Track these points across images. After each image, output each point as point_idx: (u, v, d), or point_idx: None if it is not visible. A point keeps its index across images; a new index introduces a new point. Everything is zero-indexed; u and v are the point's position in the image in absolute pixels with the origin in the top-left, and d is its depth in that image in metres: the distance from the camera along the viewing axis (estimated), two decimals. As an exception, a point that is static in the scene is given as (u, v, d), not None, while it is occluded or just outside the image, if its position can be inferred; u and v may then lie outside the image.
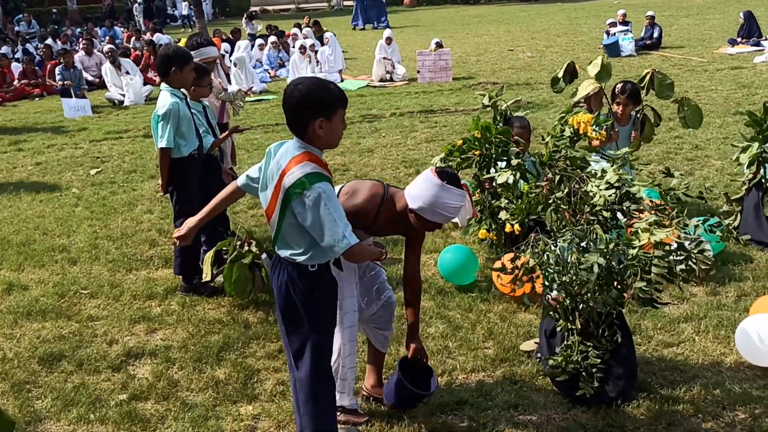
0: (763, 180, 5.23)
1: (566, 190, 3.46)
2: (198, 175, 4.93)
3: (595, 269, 3.00)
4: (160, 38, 17.75)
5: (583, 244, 3.25)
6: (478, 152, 4.64)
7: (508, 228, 4.74)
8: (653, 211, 3.26)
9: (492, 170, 5.03)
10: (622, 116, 5.60)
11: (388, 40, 13.60)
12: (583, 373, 3.39)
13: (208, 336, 4.38)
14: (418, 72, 13.26)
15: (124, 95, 12.83)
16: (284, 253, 2.95)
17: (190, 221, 3.21)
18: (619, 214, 3.33)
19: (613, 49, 14.65)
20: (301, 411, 3.07)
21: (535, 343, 4.02)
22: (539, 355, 3.82)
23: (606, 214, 3.25)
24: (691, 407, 3.47)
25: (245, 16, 22.08)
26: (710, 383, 3.66)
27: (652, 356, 3.95)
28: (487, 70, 14.12)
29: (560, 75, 5.88)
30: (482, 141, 4.65)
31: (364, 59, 16.30)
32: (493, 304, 4.64)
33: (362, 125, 10.03)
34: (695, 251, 3.09)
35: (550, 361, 3.45)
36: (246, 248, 4.70)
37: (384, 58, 13.43)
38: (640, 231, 3.07)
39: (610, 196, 3.22)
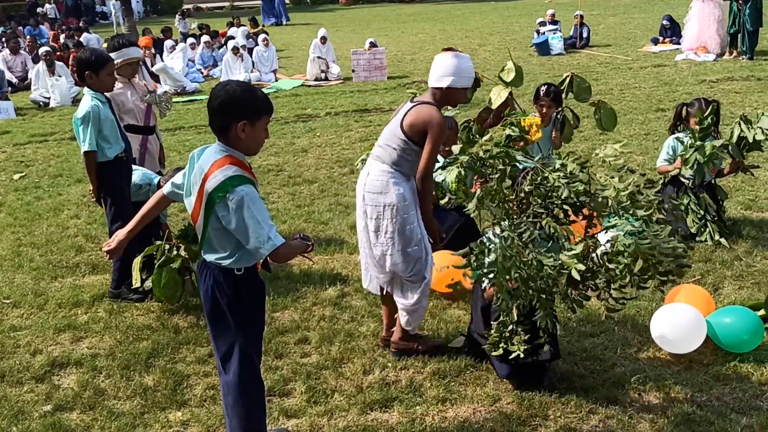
0: (680, 176, 5.47)
1: (509, 183, 3.36)
2: (128, 177, 4.85)
3: (575, 275, 2.93)
4: (89, 38, 17.23)
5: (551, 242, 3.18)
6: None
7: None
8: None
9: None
10: (543, 117, 5.76)
11: (323, 40, 13.59)
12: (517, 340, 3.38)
13: (136, 342, 4.32)
14: (353, 71, 13.30)
15: (49, 97, 12.43)
16: (210, 257, 2.95)
17: (120, 234, 3.17)
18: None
19: (543, 48, 15.01)
20: (230, 414, 3.08)
21: (462, 335, 4.12)
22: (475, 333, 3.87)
23: (566, 207, 3.19)
24: (609, 394, 3.62)
25: (178, 14, 21.63)
26: (628, 371, 3.82)
27: (574, 347, 4.09)
28: (421, 69, 14.25)
29: (498, 100, 5.92)
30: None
31: (300, 58, 16.22)
32: (423, 301, 4.71)
33: (297, 125, 10.01)
34: (669, 258, 2.97)
35: (490, 338, 3.44)
36: (175, 252, 4.64)
37: (318, 57, 13.41)
38: (618, 242, 2.97)
39: (574, 188, 3.12)
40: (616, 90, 10.95)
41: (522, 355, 3.32)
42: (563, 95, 5.99)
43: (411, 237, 3.80)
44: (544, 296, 3.08)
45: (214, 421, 3.53)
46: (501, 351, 3.41)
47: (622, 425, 3.40)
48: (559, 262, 2.97)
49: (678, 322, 3.86)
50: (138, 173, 4.95)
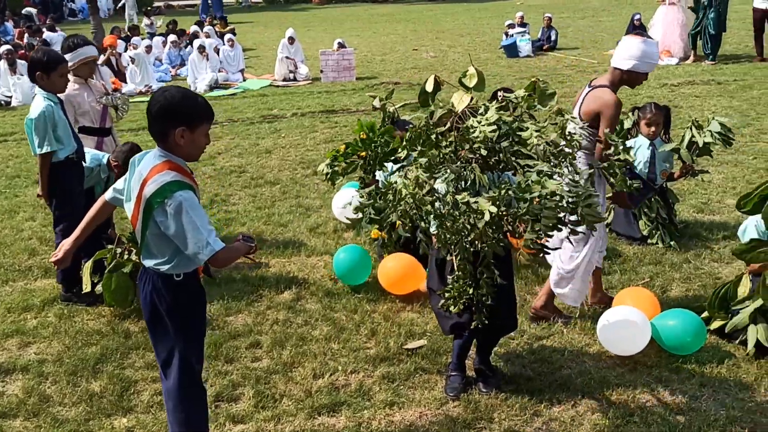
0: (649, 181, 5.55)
1: (447, 126, 3.35)
2: (80, 178, 4.81)
3: (486, 217, 2.95)
4: (52, 37, 16.96)
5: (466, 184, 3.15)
6: (363, 153, 4.72)
7: (398, 225, 4.84)
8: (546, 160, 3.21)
9: (378, 172, 5.14)
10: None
11: (291, 40, 13.54)
12: (474, 304, 3.37)
13: (85, 348, 4.27)
14: (322, 72, 13.28)
15: (10, 97, 12.23)
16: (149, 263, 2.93)
17: (66, 243, 3.14)
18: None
19: (512, 50, 15.12)
20: (171, 419, 3.07)
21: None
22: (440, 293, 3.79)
23: (483, 152, 3.18)
24: (554, 396, 3.67)
25: (144, 12, 21.39)
26: (574, 373, 3.88)
27: (523, 349, 4.14)
28: (390, 70, 14.29)
29: (429, 89, 5.92)
30: (367, 143, 4.73)
31: (270, 58, 16.14)
32: (378, 304, 4.73)
33: (262, 126, 9.97)
34: (584, 204, 3.05)
35: (446, 294, 3.37)
36: (126, 256, 4.60)
37: (287, 57, 13.37)
38: (531, 182, 3.00)
39: (490, 132, 3.14)
40: (581, 93, 11.06)
41: (453, 310, 3.32)
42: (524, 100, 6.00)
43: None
44: (463, 237, 3.06)
45: (159, 427, 3.51)
46: (458, 308, 3.35)
47: (564, 427, 3.46)
48: (474, 201, 2.96)
49: (623, 324, 3.93)
50: (87, 156, 4.89)
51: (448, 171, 3.09)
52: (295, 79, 13.38)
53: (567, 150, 3.17)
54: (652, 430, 3.38)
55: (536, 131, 3.09)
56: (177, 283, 2.91)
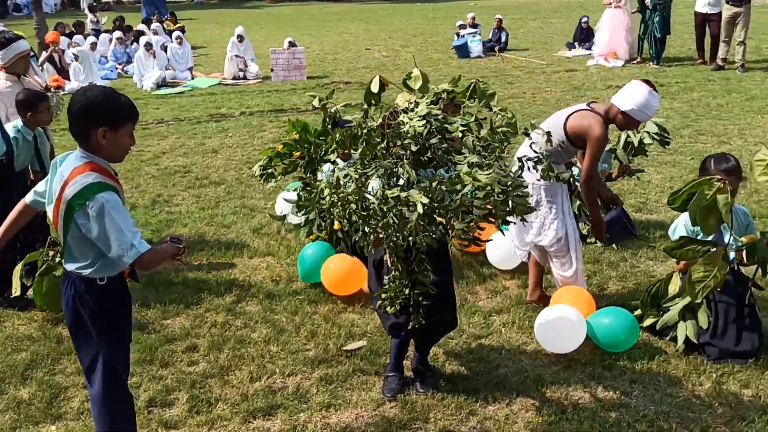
0: (570, 180, 5.64)
1: (379, 122, 3.34)
2: (7, 180, 4.65)
3: (419, 209, 2.92)
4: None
5: (402, 181, 3.14)
6: (297, 154, 4.68)
7: (336, 225, 4.81)
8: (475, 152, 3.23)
9: (318, 172, 5.10)
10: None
11: (239, 38, 13.38)
12: (412, 305, 3.35)
13: (14, 354, 4.15)
14: (272, 70, 13.16)
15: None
16: (71, 266, 2.86)
17: None
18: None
19: (463, 51, 15.23)
20: (96, 427, 3.00)
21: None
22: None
23: (414, 147, 3.17)
24: (490, 395, 3.70)
25: (89, 8, 20.88)
26: (510, 371, 3.92)
27: (462, 349, 4.17)
28: (342, 69, 14.25)
29: (375, 90, 5.92)
30: (302, 143, 4.69)
31: (220, 56, 15.87)
32: (319, 306, 4.71)
33: (209, 125, 9.83)
34: (513, 194, 3.08)
35: (383, 294, 3.36)
36: (58, 259, 4.48)
37: (236, 55, 13.20)
38: (462, 174, 3.01)
39: (420, 127, 3.13)
40: (528, 94, 11.22)
41: (390, 311, 3.32)
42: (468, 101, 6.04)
43: (556, 215, 4.27)
44: (393, 233, 3.06)
45: (88, 434, 3.43)
46: (394, 309, 3.34)
47: (499, 425, 3.49)
48: (405, 194, 2.95)
49: (559, 323, 3.98)
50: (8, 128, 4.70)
51: (379, 167, 3.09)
52: (245, 78, 13.23)
53: (495, 144, 3.20)
54: (583, 426, 3.44)
55: (463, 126, 3.12)
56: (100, 287, 2.84)
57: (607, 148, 5.42)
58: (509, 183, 3.03)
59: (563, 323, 3.98)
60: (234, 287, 4.98)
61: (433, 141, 3.11)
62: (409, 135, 3.07)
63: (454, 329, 3.92)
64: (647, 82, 4.21)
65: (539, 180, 4.10)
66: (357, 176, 3.04)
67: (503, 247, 5.08)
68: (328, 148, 4.68)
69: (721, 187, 3.69)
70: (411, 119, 3.10)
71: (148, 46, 12.86)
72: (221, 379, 3.90)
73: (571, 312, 4.00)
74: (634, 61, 13.58)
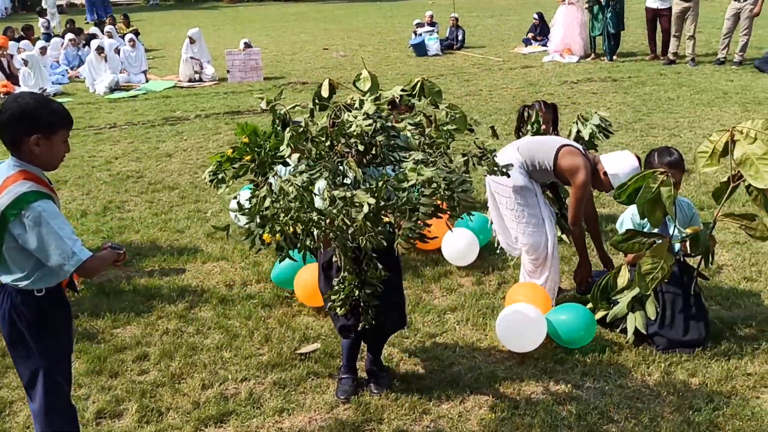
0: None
1: (323, 121, 3.30)
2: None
3: (365, 209, 2.90)
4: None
5: (347, 180, 3.09)
6: (248, 157, 4.61)
7: (272, 238, 4.76)
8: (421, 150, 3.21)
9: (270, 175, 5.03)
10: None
11: (192, 40, 13.19)
12: (361, 306, 3.33)
13: (-44, 369, 4.02)
14: (228, 72, 13.02)
15: None
16: (6, 278, 2.77)
17: None
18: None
19: (420, 49, 15.27)
20: (38, 443, 2.92)
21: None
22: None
23: (360, 146, 3.14)
24: (444, 393, 3.71)
25: (38, 12, 20.39)
26: (464, 369, 3.93)
27: (416, 348, 4.17)
28: (299, 70, 14.17)
29: (325, 93, 5.91)
30: (252, 146, 4.62)
31: (176, 58, 15.68)
32: (273, 309, 4.66)
33: (164, 128, 9.68)
34: (459, 190, 3.04)
35: (332, 296, 3.33)
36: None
37: (191, 57, 13.03)
38: (407, 171, 2.98)
39: (366, 126, 3.09)
40: (485, 91, 11.29)
41: (339, 312, 3.31)
42: (416, 100, 6.05)
43: (529, 220, 4.27)
44: (341, 234, 3.04)
45: (33, 450, 3.33)
46: (344, 311, 3.32)
47: (452, 424, 3.49)
48: (351, 193, 2.93)
49: (520, 322, 3.97)
50: None
51: (324, 168, 3.06)
52: (200, 80, 13.07)
53: (440, 141, 3.20)
54: (536, 421, 3.46)
55: (411, 124, 3.10)
56: (38, 298, 2.76)
57: None
58: (454, 178, 3.03)
59: (524, 322, 3.97)
60: (187, 293, 4.90)
61: (380, 138, 3.09)
62: (355, 134, 3.05)
63: (403, 328, 3.91)
64: (637, 157, 4.30)
65: (509, 185, 4.24)
66: (301, 179, 3.00)
67: (459, 243, 5.11)
68: (277, 149, 4.61)
69: (664, 180, 3.76)
70: (356, 118, 3.07)
71: (100, 49, 12.61)
72: (172, 388, 3.84)
73: (531, 310, 3.99)
74: (589, 57, 13.77)
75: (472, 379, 3.82)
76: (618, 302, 4.14)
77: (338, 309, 3.38)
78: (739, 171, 3.72)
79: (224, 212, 6.29)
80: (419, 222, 3.03)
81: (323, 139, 3.16)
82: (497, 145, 5.36)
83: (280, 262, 3.29)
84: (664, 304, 4.04)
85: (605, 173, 4.23)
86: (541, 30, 15.75)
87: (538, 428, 3.41)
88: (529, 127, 5.52)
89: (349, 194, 2.95)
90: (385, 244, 3.09)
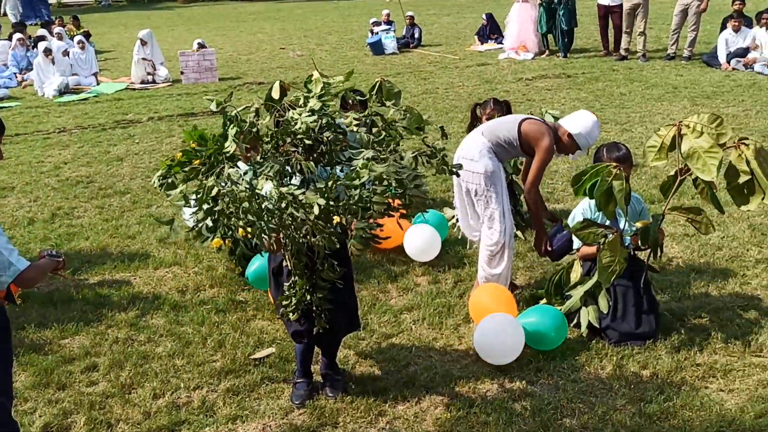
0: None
1: (268, 119, 3.24)
2: None
3: (315, 210, 2.87)
4: None
5: (298, 180, 3.08)
6: (197, 162, 4.52)
7: (241, 232, 4.70)
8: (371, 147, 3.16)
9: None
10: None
11: (143, 42, 12.94)
12: (314, 310, 3.34)
13: None
14: (182, 73, 12.81)
15: None
16: (-62, 293, 2.66)
17: None
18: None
19: (377, 48, 15.25)
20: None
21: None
22: None
23: (307, 141, 3.08)
24: (400, 394, 3.69)
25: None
26: (420, 369, 3.91)
27: (372, 349, 4.14)
28: (255, 70, 14.02)
29: (276, 96, 5.81)
30: (201, 150, 4.54)
31: (129, 60, 15.39)
32: (228, 314, 4.59)
33: (115, 132, 9.47)
34: (411, 185, 3.05)
35: (284, 301, 3.35)
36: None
37: (143, 58, 12.78)
38: (358, 168, 2.96)
39: (312, 123, 3.05)
40: (441, 89, 11.32)
41: (292, 318, 3.30)
42: (374, 101, 6.01)
43: (495, 207, 4.29)
44: (291, 233, 3.00)
45: (-26, 469, 3.21)
46: (296, 316, 3.33)
47: (408, 424, 3.47)
48: (301, 192, 2.88)
49: (499, 335, 3.89)
50: None
51: (271, 166, 3.01)
52: (153, 82, 12.83)
53: (389, 138, 3.18)
54: (491, 418, 3.47)
55: (356, 120, 3.07)
56: (-27, 313, 2.66)
57: None
58: (406, 174, 3.01)
59: (506, 335, 3.87)
60: (138, 300, 4.79)
61: (326, 134, 3.05)
62: (301, 131, 3.00)
63: (357, 330, 3.88)
64: (593, 113, 4.45)
65: (481, 171, 4.27)
66: (247, 179, 2.96)
67: (421, 239, 5.10)
68: (230, 154, 4.54)
69: (617, 174, 3.79)
70: (300, 115, 3.03)
71: (47, 51, 12.29)
72: (122, 398, 3.74)
73: (509, 322, 3.91)
74: (543, 54, 13.92)
75: (428, 378, 3.81)
76: (571, 296, 4.18)
77: (290, 314, 3.34)
78: (686, 164, 3.78)
79: (177, 217, 6.16)
80: (372, 221, 3.02)
81: (268, 139, 3.11)
82: (453, 143, 5.37)
83: (236, 264, 3.24)
84: (616, 297, 4.09)
85: (569, 135, 4.29)
86: (490, 30, 15.88)
87: (494, 426, 3.42)
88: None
89: (298, 192, 2.91)
90: (337, 244, 3.06)
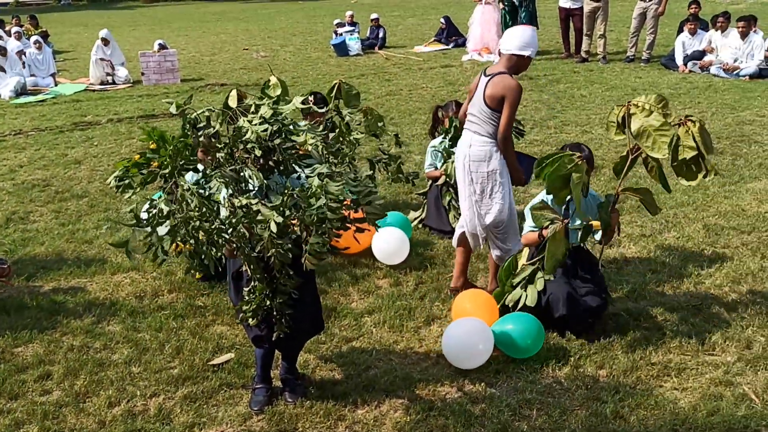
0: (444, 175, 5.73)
1: (216, 128, 3.16)
2: None
3: (273, 227, 2.85)
4: None
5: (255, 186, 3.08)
6: (155, 164, 4.45)
7: (202, 236, 4.64)
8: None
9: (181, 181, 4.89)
10: (316, 124, 5.73)
11: (104, 41, 12.73)
12: (274, 315, 3.31)
13: None
14: (143, 74, 12.63)
15: None
16: None
17: None
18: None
19: (341, 49, 15.22)
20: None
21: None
22: None
23: (258, 152, 3.03)
24: (360, 398, 3.68)
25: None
26: (380, 372, 3.91)
27: (332, 353, 4.12)
28: (218, 71, 13.88)
29: (233, 104, 5.76)
30: (160, 152, 4.47)
31: (88, 60, 15.12)
32: (186, 320, 4.53)
33: (73, 134, 9.29)
34: (365, 201, 3.06)
35: (244, 306, 3.29)
36: None
37: (101, 59, 12.57)
38: (314, 187, 2.93)
39: (263, 131, 2.99)
40: (405, 90, 11.34)
41: (251, 323, 3.27)
42: (330, 102, 6.02)
43: (504, 199, 4.43)
44: (245, 244, 2.98)
45: None
46: (256, 321, 3.29)
47: (367, 428, 3.47)
48: (255, 202, 2.86)
49: (467, 339, 3.87)
50: None
51: (222, 176, 2.97)
52: (113, 83, 12.62)
53: (344, 148, 3.16)
54: (449, 421, 3.48)
55: (311, 135, 3.04)
56: None
57: None
58: (360, 191, 3.00)
59: (472, 339, 3.86)
60: (94, 307, 4.71)
61: (277, 141, 3.01)
62: (252, 139, 2.97)
63: (319, 334, 3.87)
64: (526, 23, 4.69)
65: (488, 170, 4.36)
66: (198, 189, 2.92)
67: (388, 242, 5.10)
68: (188, 158, 4.48)
69: (578, 164, 3.82)
70: (251, 122, 3.00)
71: (2, 50, 12.00)
72: (77, 407, 3.67)
73: (477, 325, 3.90)
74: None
75: (388, 382, 3.81)
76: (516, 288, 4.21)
77: (250, 319, 3.31)
78: (636, 144, 3.85)
79: (106, 234, 6.01)
80: (326, 236, 2.99)
81: (221, 146, 3.07)
82: (417, 146, 5.39)
83: (190, 272, 3.19)
84: (567, 277, 4.14)
85: (517, 56, 4.33)
86: (448, 33, 15.99)
87: (453, 428, 3.43)
88: (443, 136, 5.62)
89: (253, 202, 2.88)
90: (290, 257, 3.04)
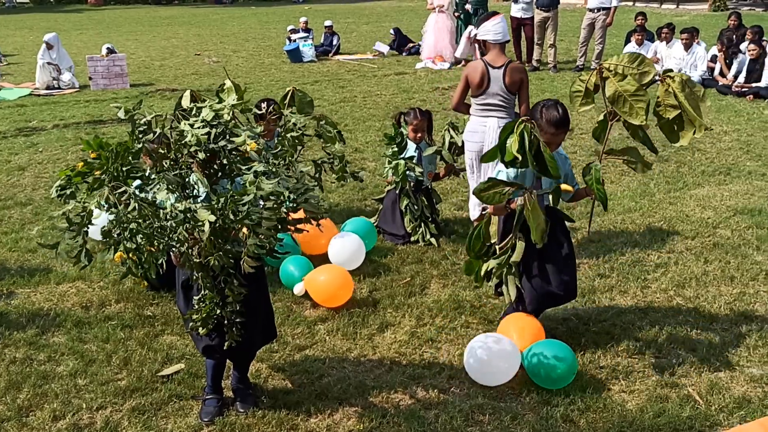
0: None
1: (158, 132, 3.08)
2: None
3: (206, 227, 2.77)
4: None
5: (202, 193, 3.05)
6: (98, 172, 4.34)
7: (140, 239, 4.54)
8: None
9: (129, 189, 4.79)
10: (269, 132, 5.68)
11: (48, 45, 12.40)
12: (225, 324, 3.25)
13: None
14: (91, 79, 12.34)
15: None
16: None
17: None
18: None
19: (295, 55, 15.16)
20: None
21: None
22: None
23: (201, 155, 2.96)
24: (313, 407, 3.65)
25: None
26: (333, 380, 3.89)
27: (285, 362, 4.08)
28: (169, 76, 13.67)
29: (186, 105, 5.70)
30: (103, 160, 4.36)
31: (33, 64, 14.72)
32: (135, 330, 4.42)
33: (17, 140, 9.01)
34: (302, 200, 3.00)
35: (194, 315, 3.20)
36: None
37: (48, 63, 12.24)
38: (247, 183, 2.87)
39: (203, 135, 2.92)
40: (360, 97, 11.35)
41: (202, 332, 3.21)
42: (286, 109, 5.96)
43: None
44: (187, 249, 2.93)
45: None
46: (206, 330, 3.21)
47: (320, 438, 3.44)
48: (194, 205, 2.80)
49: (492, 355, 3.76)
50: None
51: (163, 180, 2.92)
52: (59, 88, 12.30)
53: (285, 149, 3.14)
54: (402, 428, 3.48)
55: (251, 136, 3.00)
56: None
57: (432, 151, 5.68)
58: (298, 189, 2.97)
59: (497, 355, 3.76)
60: (38, 318, 4.56)
61: (221, 143, 2.96)
62: (192, 143, 2.92)
63: (271, 342, 3.83)
64: (492, 12, 5.52)
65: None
66: (138, 192, 2.86)
67: (346, 249, 5.08)
68: (133, 165, 4.38)
69: (536, 136, 3.59)
70: (193, 126, 2.94)
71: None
72: (19, 422, 3.54)
73: (505, 343, 3.81)
74: (459, 64, 14.19)
75: (341, 390, 3.79)
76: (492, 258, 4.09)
77: (200, 329, 3.25)
78: (613, 109, 3.69)
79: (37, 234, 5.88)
80: (263, 237, 2.94)
81: (164, 151, 3.01)
82: (371, 152, 5.39)
83: (121, 279, 3.13)
84: (541, 258, 3.97)
85: (484, 43, 5.34)
86: (398, 44, 16.11)
87: (406, 435, 3.43)
88: (412, 134, 5.70)
89: (193, 206, 2.83)
90: (232, 261, 2.99)
